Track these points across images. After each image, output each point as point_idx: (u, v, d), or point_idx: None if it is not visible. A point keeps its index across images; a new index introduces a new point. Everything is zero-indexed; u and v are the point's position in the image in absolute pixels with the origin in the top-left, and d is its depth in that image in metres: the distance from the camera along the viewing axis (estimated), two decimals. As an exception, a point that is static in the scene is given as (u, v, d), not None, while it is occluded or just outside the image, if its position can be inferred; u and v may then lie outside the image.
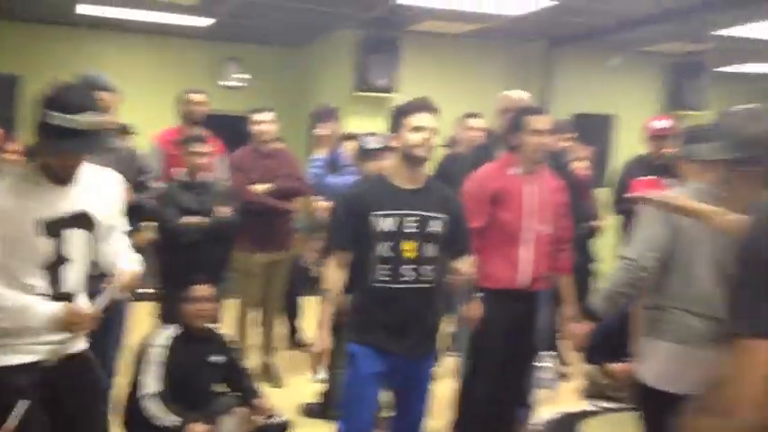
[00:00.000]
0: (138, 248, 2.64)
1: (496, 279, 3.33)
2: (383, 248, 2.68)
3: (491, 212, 3.35)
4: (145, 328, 3.93)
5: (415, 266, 2.70)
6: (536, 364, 3.69)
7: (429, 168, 3.61)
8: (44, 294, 2.24)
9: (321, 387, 4.39)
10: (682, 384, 2.55)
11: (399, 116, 2.74)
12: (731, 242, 2.59)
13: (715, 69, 8.57)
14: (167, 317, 3.58)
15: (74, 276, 2.32)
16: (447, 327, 4.42)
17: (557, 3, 6.48)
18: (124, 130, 5.22)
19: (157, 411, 3.24)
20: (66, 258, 2.28)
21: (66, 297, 2.29)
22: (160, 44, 8.51)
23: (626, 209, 5.15)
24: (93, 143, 2.17)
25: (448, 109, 4.06)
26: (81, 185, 2.31)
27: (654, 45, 8.48)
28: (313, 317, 5.22)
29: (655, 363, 2.53)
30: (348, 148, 4.75)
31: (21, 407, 2.14)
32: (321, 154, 4.43)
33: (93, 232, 2.34)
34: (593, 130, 7.68)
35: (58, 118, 2.10)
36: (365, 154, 3.64)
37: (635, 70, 8.79)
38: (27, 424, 2.15)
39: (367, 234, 2.68)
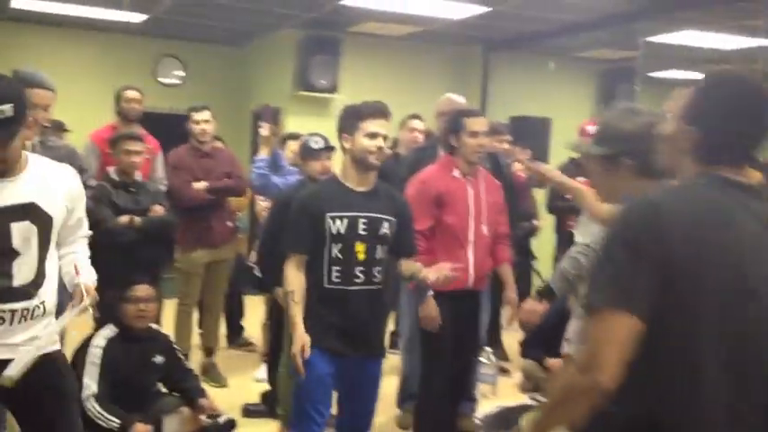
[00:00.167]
0: None
1: None
2: (336, 250, 2.68)
3: (436, 215, 3.39)
4: (83, 328, 3.85)
5: (364, 268, 2.71)
6: (478, 359, 3.79)
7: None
8: None
9: (263, 387, 4.39)
10: None
11: (353, 119, 2.72)
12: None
13: (645, 75, 8.88)
14: (104, 317, 3.52)
15: (26, 270, 2.27)
16: (388, 325, 4.48)
17: (492, 9, 6.64)
18: (61, 128, 5.10)
19: (99, 412, 3.19)
20: (15, 251, 2.24)
21: (20, 291, 2.26)
22: (96, 40, 8.32)
23: (560, 208, 5.34)
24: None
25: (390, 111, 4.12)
26: (31, 178, 2.27)
27: (586, 51, 8.76)
28: (256, 316, 5.25)
29: None
30: (290, 148, 4.76)
31: None
32: (264, 154, 4.42)
33: (45, 225, 2.30)
34: (530, 132, 7.86)
35: None
36: (310, 153, 3.64)
37: (569, 75, 9.05)
38: None
39: (320, 236, 2.67)
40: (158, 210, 4.13)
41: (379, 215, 2.73)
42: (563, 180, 2.50)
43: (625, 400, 1.43)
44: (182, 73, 8.81)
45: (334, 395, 2.89)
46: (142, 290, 3.51)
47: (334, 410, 2.94)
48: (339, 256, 2.68)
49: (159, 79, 8.66)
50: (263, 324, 4.94)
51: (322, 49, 7.77)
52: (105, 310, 3.59)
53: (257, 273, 4.79)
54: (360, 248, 2.69)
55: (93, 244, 2.50)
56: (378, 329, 2.89)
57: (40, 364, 2.27)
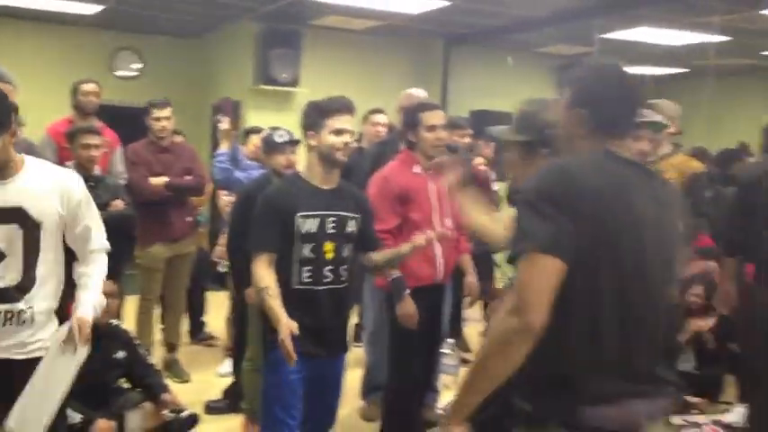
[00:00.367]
0: None
1: (417, 277, 3.34)
2: (306, 250, 2.63)
3: (401, 212, 3.37)
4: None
5: (333, 267, 2.68)
6: (441, 350, 3.84)
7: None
8: None
9: (226, 382, 4.38)
10: None
11: (319, 115, 2.67)
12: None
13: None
14: (65, 313, 3.47)
15: (12, 272, 2.29)
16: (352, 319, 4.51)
17: (451, 3, 6.70)
18: (17, 122, 4.98)
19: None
20: (1, 253, 2.26)
21: (4, 292, 2.28)
22: (52, 32, 8.15)
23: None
24: None
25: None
26: (23, 182, 2.29)
27: (544, 47, 8.89)
28: (218, 311, 5.23)
29: None
30: (253, 142, 4.74)
31: None
32: (225, 148, 4.40)
33: (32, 231, 2.31)
34: (490, 126, 7.94)
35: None
36: (274, 147, 3.63)
37: (528, 70, 9.17)
38: None
39: (289, 235, 2.62)
40: (118, 204, 4.08)
41: (345, 213, 2.71)
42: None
43: (539, 359, 1.55)
44: (139, 66, 8.69)
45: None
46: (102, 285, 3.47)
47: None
48: (308, 255, 2.63)
49: (116, 72, 8.53)
50: (227, 319, 4.92)
51: (282, 43, 7.72)
52: (66, 307, 3.55)
53: (221, 268, 4.78)
54: (328, 248, 2.65)
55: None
56: (344, 327, 2.88)
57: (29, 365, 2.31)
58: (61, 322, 2.46)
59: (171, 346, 4.89)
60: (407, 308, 3.25)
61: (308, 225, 2.62)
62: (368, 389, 4.21)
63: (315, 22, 7.79)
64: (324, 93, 2.86)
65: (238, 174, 4.34)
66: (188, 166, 4.71)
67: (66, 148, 4.29)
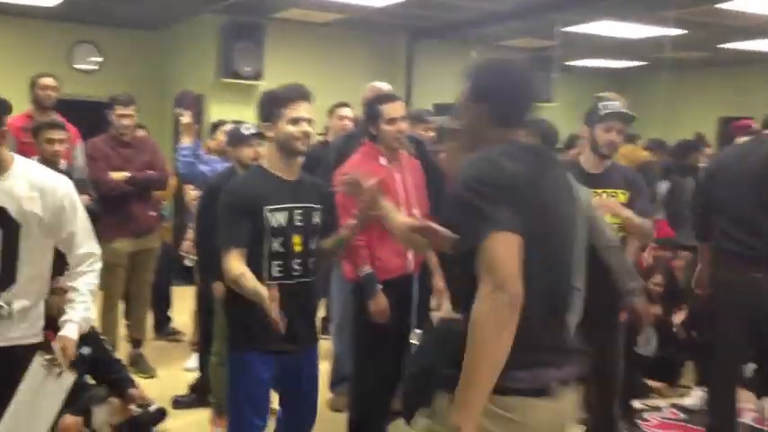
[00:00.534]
0: None
1: (388, 270, 3.32)
2: (276, 244, 2.57)
3: None
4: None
5: (301, 260, 2.62)
6: (410, 341, 3.87)
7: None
8: None
9: (193, 376, 4.37)
10: None
11: (274, 105, 2.59)
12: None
13: (562, 63, 9.19)
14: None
15: None
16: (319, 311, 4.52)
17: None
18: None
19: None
20: None
21: None
22: (9, 25, 7.99)
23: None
24: None
25: (315, 98, 4.11)
26: (10, 184, 2.31)
27: (507, 40, 8.98)
28: (184, 306, 5.20)
29: None
30: (218, 137, 4.72)
31: None
32: (187, 142, 4.36)
33: (12, 232, 2.32)
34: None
35: None
36: (240, 140, 3.61)
37: (491, 63, 9.24)
38: None
39: (258, 230, 2.54)
40: (83, 200, 4.03)
41: (310, 204, 2.66)
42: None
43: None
44: (98, 59, 8.57)
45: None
46: (63, 282, 3.43)
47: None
48: (278, 250, 2.57)
49: (75, 65, 8.40)
50: (193, 313, 4.90)
51: (245, 36, 7.68)
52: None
53: (188, 263, 4.74)
54: (297, 241, 2.59)
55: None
56: (313, 320, 2.84)
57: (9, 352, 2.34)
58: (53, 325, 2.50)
59: (136, 342, 4.86)
60: (380, 304, 3.24)
61: (277, 218, 2.56)
62: (336, 380, 4.23)
63: (278, 14, 7.76)
64: (287, 86, 2.83)
65: (202, 167, 4.32)
66: (150, 160, 4.67)
67: (25, 143, 4.22)
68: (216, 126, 4.93)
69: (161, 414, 3.71)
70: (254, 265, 2.57)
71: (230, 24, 7.60)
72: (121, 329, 4.87)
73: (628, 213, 3.13)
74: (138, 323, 4.91)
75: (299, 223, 2.61)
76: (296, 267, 2.61)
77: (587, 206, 2.92)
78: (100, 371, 3.57)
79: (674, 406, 4.38)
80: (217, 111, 7.38)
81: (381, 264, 3.28)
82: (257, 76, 7.65)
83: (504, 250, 1.62)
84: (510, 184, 1.69)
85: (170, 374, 4.71)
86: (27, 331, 2.45)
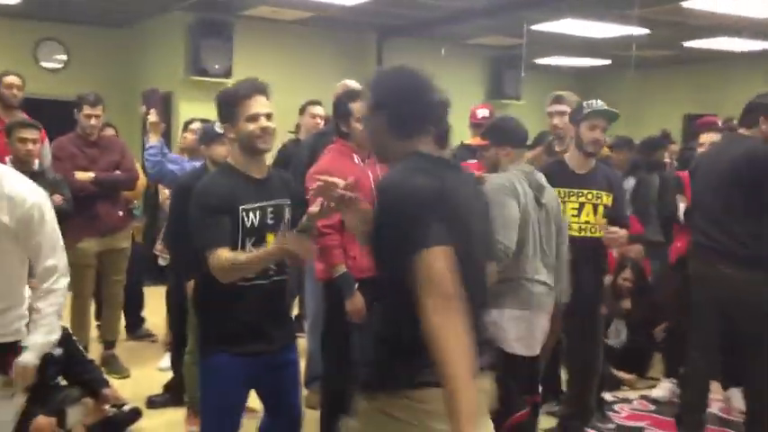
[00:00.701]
0: None
1: (362, 269, 3.26)
2: (250, 244, 2.49)
3: None
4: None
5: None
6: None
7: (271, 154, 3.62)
8: None
9: (166, 376, 4.35)
10: (531, 346, 2.88)
11: (230, 104, 2.50)
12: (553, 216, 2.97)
13: (530, 61, 9.28)
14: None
15: None
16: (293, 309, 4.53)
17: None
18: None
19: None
20: None
21: None
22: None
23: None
24: None
25: (284, 96, 4.10)
26: None
27: (476, 38, 9.06)
28: (157, 307, 5.16)
29: (514, 331, 2.81)
30: (188, 135, 4.70)
31: None
32: (154, 141, 4.34)
33: None
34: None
35: None
36: (213, 138, 3.59)
37: (460, 61, 9.32)
38: None
39: (234, 230, 2.46)
40: (56, 200, 4.01)
41: (281, 201, 2.61)
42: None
43: (389, 335, 1.81)
44: (64, 57, 8.45)
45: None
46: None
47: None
48: (253, 249, 2.48)
49: (41, 63, 8.28)
50: (167, 313, 4.87)
51: (214, 33, 7.64)
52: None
53: (162, 262, 4.71)
54: (270, 239, 2.52)
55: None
56: (289, 317, 2.80)
57: None
58: None
59: (108, 343, 4.82)
60: (356, 303, 3.21)
61: (251, 218, 2.50)
62: (310, 377, 4.24)
63: (246, 12, 7.73)
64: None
65: (171, 167, 4.30)
66: (117, 160, 4.63)
67: (-7, 143, 4.17)
68: (187, 124, 4.91)
69: (135, 414, 3.69)
70: None
71: (198, 22, 7.55)
72: (93, 330, 4.83)
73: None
74: (110, 324, 4.86)
75: (271, 221, 2.55)
76: (270, 266, 2.53)
77: (555, 209, 3.00)
78: (73, 371, 3.55)
79: (643, 397, 4.48)
80: (186, 109, 7.33)
81: (355, 263, 3.25)
82: (226, 73, 7.61)
83: (444, 264, 1.70)
84: (433, 199, 1.76)
85: (144, 374, 4.68)
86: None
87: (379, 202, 1.84)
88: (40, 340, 2.52)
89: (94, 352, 4.49)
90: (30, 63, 7.99)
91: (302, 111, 4.94)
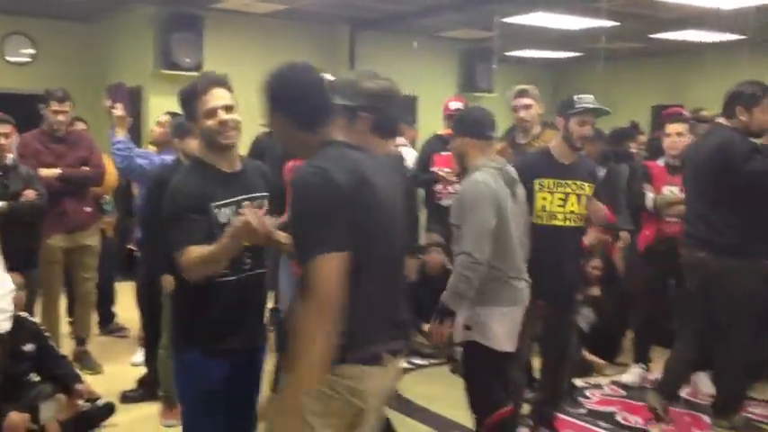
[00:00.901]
0: None
1: None
2: None
3: None
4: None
5: (252, 254, 2.47)
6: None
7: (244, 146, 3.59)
8: None
9: (140, 371, 4.33)
10: (511, 342, 2.93)
11: (190, 101, 2.45)
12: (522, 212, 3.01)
13: (501, 54, 9.35)
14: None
15: None
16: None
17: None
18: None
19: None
20: None
21: None
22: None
23: (425, 180, 5.57)
24: None
25: (257, 89, 4.09)
26: None
27: (448, 31, 9.09)
28: (129, 302, 5.12)
29: (502, 328, 2.85)
30: (156, 128, 4.67)
31: None
32: (121, 135, 4.30)
33: None
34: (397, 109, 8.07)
35: None
36: (187, 132, 3.56)
37: (433, 54, 9.35)
38: None
39: (207, 227, 2.37)
40: (29, 194, 3.98)
41: (257, 194, 2.53)
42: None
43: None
44: (31, 51, 8.33)
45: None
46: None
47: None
48: None
49: (6, 57, 8.15)
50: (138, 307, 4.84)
51: (184, 26, 7.58)
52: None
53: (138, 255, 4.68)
54: None
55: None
56: (262, 314, 2.68)
57: None
58: None
59: (80, 340, 4.78)
60: None
61: (225, 214, 2.42)
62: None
63: (217, 5, 7.68)
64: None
65: (140, 161, 4.28)
66: (85, 156, 4.60)
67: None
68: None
69: (109, 409, 3.68)
70: None
71: (168, 15, 7.49)
72: (65, 326, 4.79)
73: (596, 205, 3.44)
74: (82, 322, 4.83)
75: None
76: (246, 261, 2.47)
77: (523, 200, 3.04)
78: (45, 367, 3.53)
79: (613, 383, 4.56)
80: (156, 103, 7.27)
81: None
82: (197, 67, 7.55)
83: (327, 273, 1.78)
84: (338, 195, 1.80)
85: (117, 370, 4.66)
86: None
87: (290, 200, 1.88)
88: None
89: (66, 348, 4.45)
90: (-2, 57, 7.87)
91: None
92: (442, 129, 5.50)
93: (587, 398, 4.27)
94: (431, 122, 7.31)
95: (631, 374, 4.57)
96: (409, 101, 9.00)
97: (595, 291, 4.87)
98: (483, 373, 2.90)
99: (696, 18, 7.92)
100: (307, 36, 8.58)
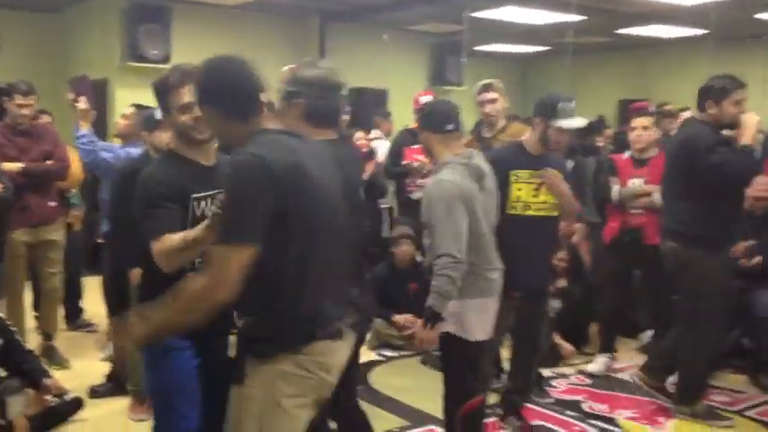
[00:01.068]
0: None
1: None
2: None
3: None
4: None
5: None
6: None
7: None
8: None
9: (108, 366, 4.30)
10: (488, 331, 2.97)
11: (162, 94, 2.45)
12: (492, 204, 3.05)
13: (470, 48, 9.40)
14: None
15: None
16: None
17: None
18: None
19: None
20: None
21: None
22: None
23: (396, 173, 5.61)
24: None
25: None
26: None
27: (418, 24, 9.12)
28: (97, 297, 5.08)
29: (475, 319, 2.88)
30: (120, 121, 4.62)
31: None
32: (85, 129, 4.25)
33: None
34: (369, 103, 8.10)
35: None
36: (155, 124, 3.54)
37: (403, 47, 9.37)
38: None
39: (185, 219, 2.37)
40: None
41: None
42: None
43: (255, 309, 1.96)
44: (-7, 42, 8.16)
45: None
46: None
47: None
48: None
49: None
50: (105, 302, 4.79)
51: (151, 18, 7.50)
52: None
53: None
54: None
55: None
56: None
57: None
58: None
59: (47, 335, 4.73)
60: None
61: (202, 206, 2.42)
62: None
63: (185, -4, 7.62)
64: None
65: (104, 154, 4.24)
66: (49, 150, 4.54)
67: None
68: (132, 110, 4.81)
69: (77, 404, 3.65)
70: None
71: (134, 6, 7.40)
72: (30, 321, 4.73)
73: (565, 188, 3.38)
74: (48, 316, 4.77)
75: (219, 209, 2.32)
76: None
77: (494, 191, 3.07)
78: (12, 362, 3.49)
79: (580, 372, 4.64)
80: (123, 95, 7.18)
81: None
82: (165, 59, 7.49)
83: (232, 263, 1.82)
84: (269, 182, 1.83)
85: (85, 365, 4.61)
86: None
87: (225, 180, 1.94)
88: None
89: (32, 343, 4.39)
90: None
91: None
92: (412, 122, 5.54)
93: (554, 387, 4.34)
94: (401, 115, 7.34)
95: (597, 364, 4.65)
96: (380, 94, 9.01)
97: (562, 282, 4.94)
98: (457, 363, 2.94)
99: (660, 13, 8.06)
100: (276, 28, 8.54)
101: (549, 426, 3.78)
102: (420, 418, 3.83)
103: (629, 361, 4.75)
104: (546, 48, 10.57)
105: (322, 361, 1.99)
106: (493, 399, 3.70)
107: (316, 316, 1.96)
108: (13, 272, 4.47)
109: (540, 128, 3.37)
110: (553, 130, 3.33)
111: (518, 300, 3.32)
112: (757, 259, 4.33)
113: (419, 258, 4.99)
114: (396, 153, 5.60)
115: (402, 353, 4.94)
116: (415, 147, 5.12)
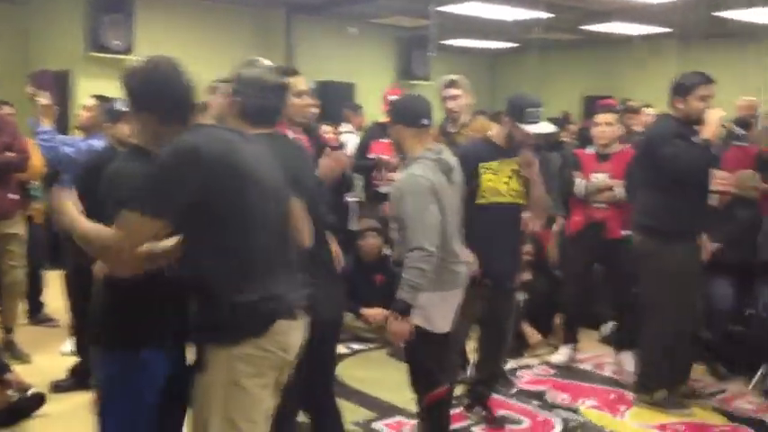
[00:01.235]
0: None
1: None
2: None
3: None
4: None
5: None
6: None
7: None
8: None
9: (70, 361, 4.24)
10: (448, 323, 2.99)
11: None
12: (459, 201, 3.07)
13: (438, 42, 9.44)
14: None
15: None
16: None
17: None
18: None
19: None
20: None
21: None
22: None
23: (364, 167, 5.61)
24: None
25: (190, 73, 4.04)
26: None
27: (384, 18, 9.11)
28: (58, 291, 5.01)
29: (439, 311, 2.91)
30: (82, 113, 4.55)
31: None
32: (47, 125, 4.18)
33: None
34: (337, 96, 8.07)
35: None
36: (117, 116, 3.50)
37: (370, 41, 9.36)
38: None
39: None
40: None
41: None
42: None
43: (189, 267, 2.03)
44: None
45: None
46: None
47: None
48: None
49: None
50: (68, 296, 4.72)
51: (113, 8, 7.41)
52: None
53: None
54: None
55: None
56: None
57: None
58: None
59: (7, 329, 4.65)
60: None
61: None
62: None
63: (150, -14, 7.52)
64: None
65: (66, 149, 4.17)
66: (8, 142, 4.45)
67: None
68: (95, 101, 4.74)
69: (40, 399, 3.60)
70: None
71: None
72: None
73: (539, 182, 3.49)
74: (9, 311, 4.68)
75: None
76: None
77: (461, 184, 3.10)
78: (-29, 357, 3.42)
79: (544, 363, 4.71)
80: (85, 86, 7.07)
81: None
82: (127, 50, 7.40)
83: (143, 232, 1.91)
84: (197, 170, 1.90)
85: (46, 360, 4.54)
86: None
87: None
88: None
89: (-7, 337, 4.33)
90: None
91: (212, 90, 4.86)
92: (379, 116, 5.54)
93: (519, 378, 4.40)
94: (368, 109, 7.34)
95: (561, 355, 4.73)
96: (347, 88, 8.99)
97: (526, 275, 5.00)
98: (423, 355, 2.97)
99: (625, 11, 8.18)
100: (241, 20, 8.47)
101: (514, 415, 3.83)
102: (387, 409, 3.85)
103: (591, 352, 4.84)
104: (514, 44, 10.65)
105: (280, 340, 2.04)
106: (459, 390, 3.74)
107: (269, 300, 2.01)
108: None
109: (507, 126, 3.42)
110: (519, 132, 3.37)
111: (487, 289, 3.36)
112: (714, 246, 4.36)
113: (386, 251, 5.00)
114: (364, 147, 5.60)
115: (370, 345, 4.95)
116: (382, 141, 5.12)
